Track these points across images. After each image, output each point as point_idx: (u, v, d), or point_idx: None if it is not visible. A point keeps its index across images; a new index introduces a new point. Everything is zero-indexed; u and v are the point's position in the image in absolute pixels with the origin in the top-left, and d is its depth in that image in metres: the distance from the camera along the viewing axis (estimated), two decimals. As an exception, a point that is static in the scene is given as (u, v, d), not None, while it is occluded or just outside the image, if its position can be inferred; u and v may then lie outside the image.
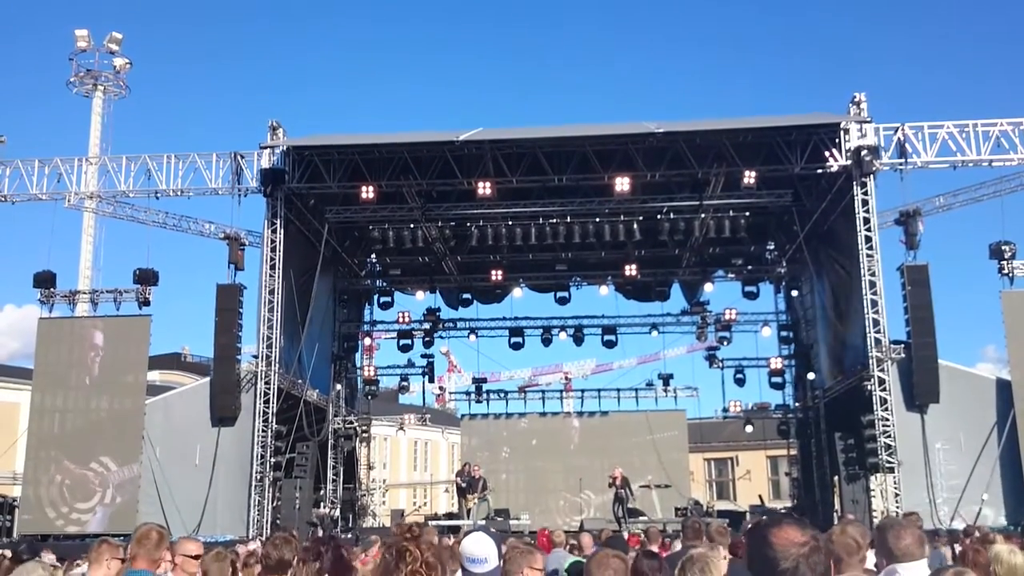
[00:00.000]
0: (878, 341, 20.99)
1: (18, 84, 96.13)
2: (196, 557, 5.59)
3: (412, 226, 24.91)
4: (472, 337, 30.72)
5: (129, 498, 21.18)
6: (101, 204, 24.83)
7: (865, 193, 21.41)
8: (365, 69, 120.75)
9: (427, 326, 30.45)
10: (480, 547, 3.96)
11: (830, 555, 2.32)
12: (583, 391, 32.91)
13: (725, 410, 31.86)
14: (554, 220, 24.48)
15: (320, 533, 19.53)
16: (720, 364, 30.72)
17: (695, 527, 7.77)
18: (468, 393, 32.84)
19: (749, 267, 29.08)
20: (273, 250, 22.63)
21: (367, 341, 31.89)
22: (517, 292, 29.69)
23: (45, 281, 23.14)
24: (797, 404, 29.88)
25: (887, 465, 20.56)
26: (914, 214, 21.63)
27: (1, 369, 42.11)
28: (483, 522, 21.64)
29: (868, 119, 21.67)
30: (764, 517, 8.54)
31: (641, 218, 24.45)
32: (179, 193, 23.28)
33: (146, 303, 22.82)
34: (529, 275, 29.19)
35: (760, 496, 34.85)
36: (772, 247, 29.10)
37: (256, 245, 23.10)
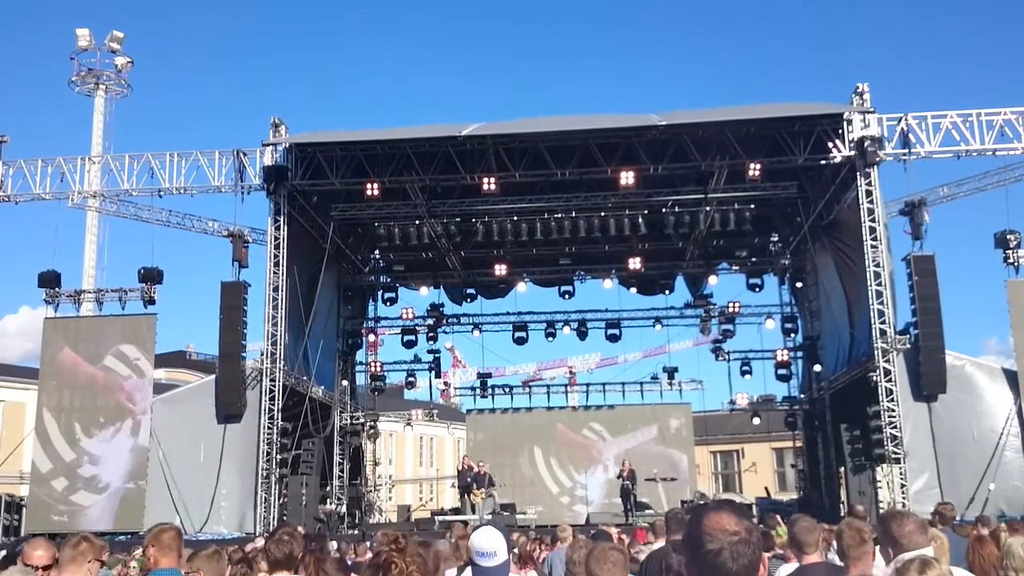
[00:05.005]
0: (884, 332, 20.94)
1: (20, 84, 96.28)
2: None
3: (416, 222, 24.94)
4: (476, 332, 30.72)
5: (135, 495, 21.30)
6: (104, 203, 24.86)
7: (869, 184, 21.35)
8: (367, 65, 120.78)
9: (431, 321, 30.45)
10: (489, 541, 3.97)
11: (760, 550, 2.27)
12: (588, 385, 32.87)
13: (731, 402, 31.80)
14: (558, 215, 24.48)
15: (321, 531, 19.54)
16: (726, 356, 30.65)
17: (679, 518, 7.49)
18: (473, 388, 32.80)
19: (753, 259, 29.05)
20: (277, 247, 22.62)
21: (371, 337, 31.93)
22: (521, 287, 29.67)
23: (49, 281, 23.18)
24: (803, 396, 29.83)
25: (893, 456, 20.53)
26: (919, 204, 21.57)
27: (9, 369, 42.32)
28: (490, 516, 21.65)
29: (871, 109, 21.59)
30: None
31: (645, 211, 24.41)
32: (182, 191, 23.30)
33: (151, 301, 22.88)
34: (533, 269, 29.17)
35: (766, 488, 34.87)
36: (776, 239, 29.05)
37: (260, 243, 23.13)
